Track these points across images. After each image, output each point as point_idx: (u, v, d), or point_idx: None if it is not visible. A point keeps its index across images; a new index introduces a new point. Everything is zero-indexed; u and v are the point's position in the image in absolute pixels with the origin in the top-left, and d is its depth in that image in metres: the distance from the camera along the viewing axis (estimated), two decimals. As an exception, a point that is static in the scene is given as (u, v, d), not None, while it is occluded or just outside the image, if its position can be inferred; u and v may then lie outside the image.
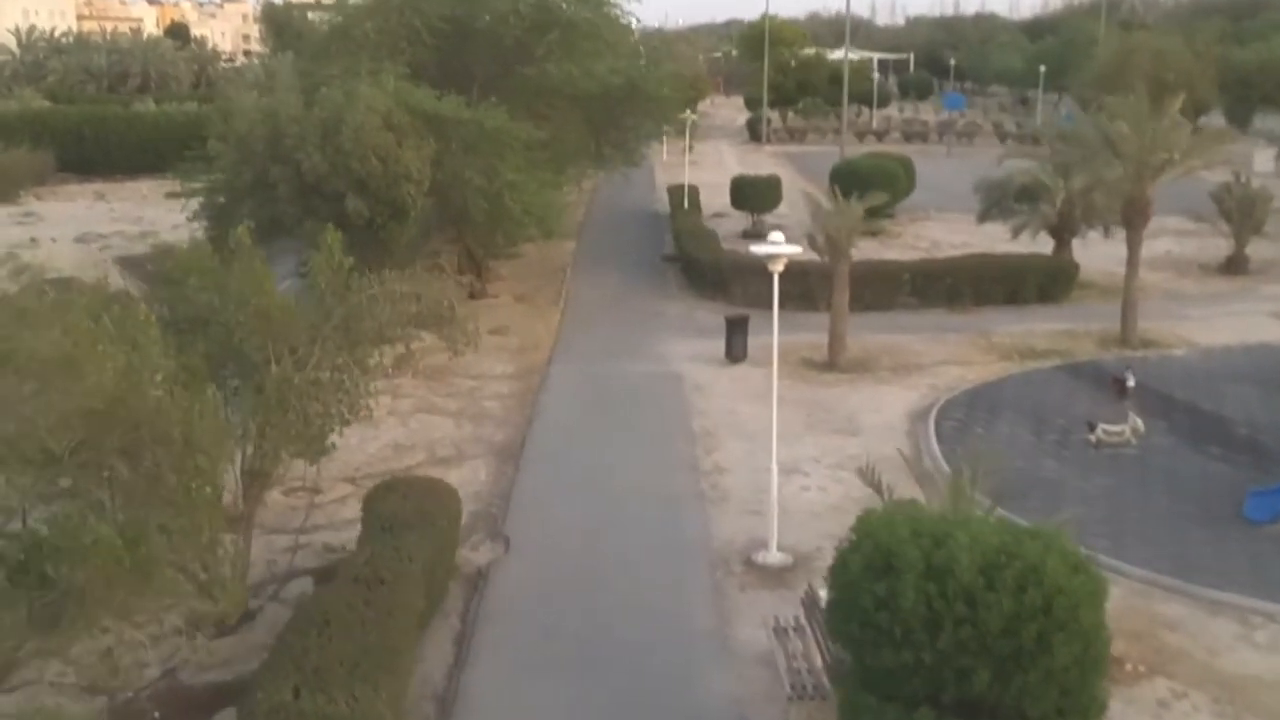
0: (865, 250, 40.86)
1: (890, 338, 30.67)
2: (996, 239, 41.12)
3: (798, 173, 61.94)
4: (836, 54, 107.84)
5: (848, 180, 44.87)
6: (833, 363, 28.37)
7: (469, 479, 21.32)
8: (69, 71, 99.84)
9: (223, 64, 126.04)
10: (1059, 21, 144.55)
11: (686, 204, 45.30)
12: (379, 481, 18.32)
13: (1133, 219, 29.12)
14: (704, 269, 36.16)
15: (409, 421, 24.81)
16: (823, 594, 15.13)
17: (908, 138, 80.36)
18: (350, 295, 16.93)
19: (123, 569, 10.05)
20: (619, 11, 35.45)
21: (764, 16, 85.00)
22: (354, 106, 27.78)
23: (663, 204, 52.56)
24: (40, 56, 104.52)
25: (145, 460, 12.26)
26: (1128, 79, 69.39)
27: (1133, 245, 29.40)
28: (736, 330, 28.43)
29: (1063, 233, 35.36)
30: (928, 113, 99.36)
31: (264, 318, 16.09)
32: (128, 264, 38.88)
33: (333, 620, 13.41)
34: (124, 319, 12.87)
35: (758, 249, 17.84)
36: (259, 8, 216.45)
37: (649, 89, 35.33)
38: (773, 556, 18.00)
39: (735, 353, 28.45)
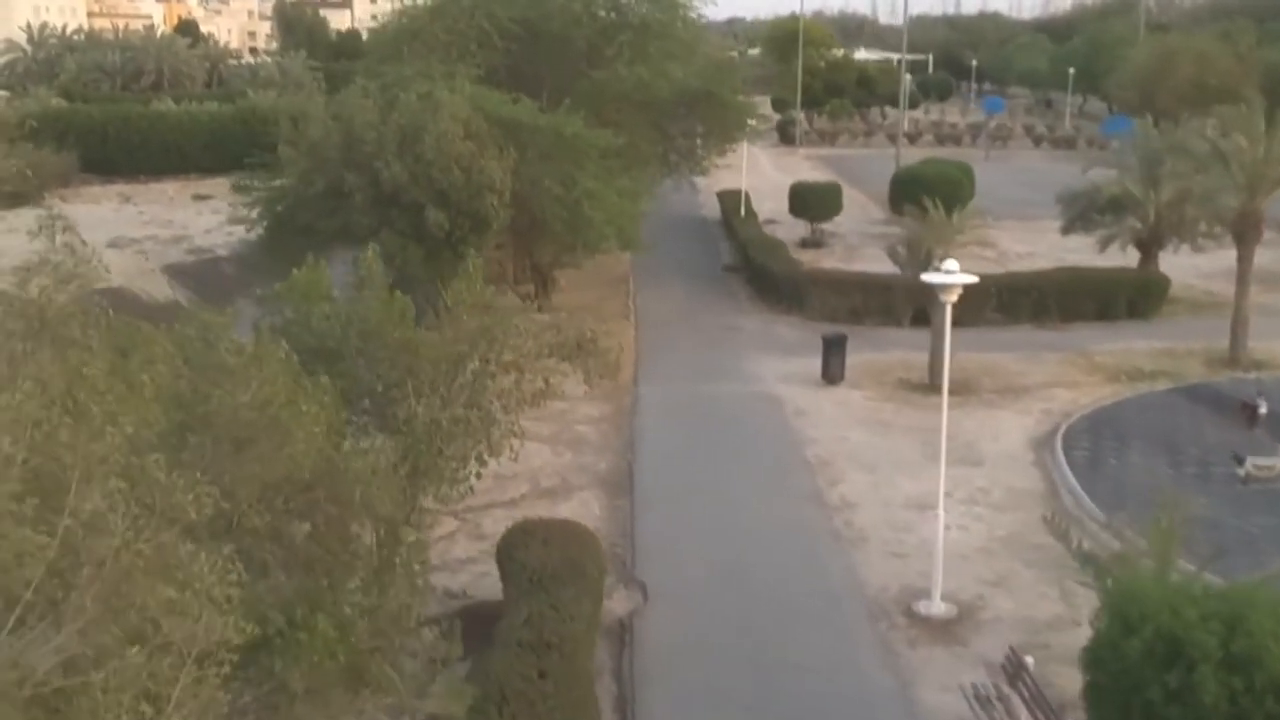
0: (933, 261, 39.79)
1: (984, 356, 29.28)
2: (1061, 247, 40.21)
3: (840, 177, 60.46)
4: (859, 54, 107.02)
5: (910, 187, 43.69)
6: (934, 384, 27.03)
7: (582, 514, 20.03)
8: (82, 69, 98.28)
9: (232, 61, 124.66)
10: (1080, 21, 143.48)
11: (744, 211, 43.97)
12: (511, 524, 16.99)
13: (1245, 234, 27.91)
14: (777, 281, 34.87)
15: (502, 448, 23.49)
16: (1029, 660, 13.94)
17: (940, 140, 78.97)
18: (493, 326, 15.63)
19: (337, 663, 8.78)
20: (694, 14, 34.16)
21: (795, 16, 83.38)
22: (437, 114, 26.48)
23: (709, 209, 51.29)
24: (52, 54, 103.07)
25: (319, 524, 10.98)
26: (1168, 82, 68.53)
27: (1244, 261, 28.18)
28: (834, 350, 27.17)
29: (1151, 246, 34.12)
30: (954, 115, 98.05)
31: (408, 352, 14.79)
32: (175, 273, 37.59)
33: (510, 696, 12.18)
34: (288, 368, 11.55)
35: (930, 278, 16.54)
36: (263, 5, 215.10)
37: (721, 94, 34.06)
38: (936, 607, 16.75)
39: (832, 373, 27.19)
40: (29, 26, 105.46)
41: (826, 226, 44.50)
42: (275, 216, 30.62)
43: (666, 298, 36.20)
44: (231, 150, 67.96)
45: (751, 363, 29.18)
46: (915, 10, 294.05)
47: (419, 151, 26.64)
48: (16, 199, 57.84)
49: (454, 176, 26.51)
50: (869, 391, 26.85)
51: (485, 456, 15.31)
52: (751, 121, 36.39)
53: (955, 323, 31.58)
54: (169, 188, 64.41)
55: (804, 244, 42.83)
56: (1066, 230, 36.00)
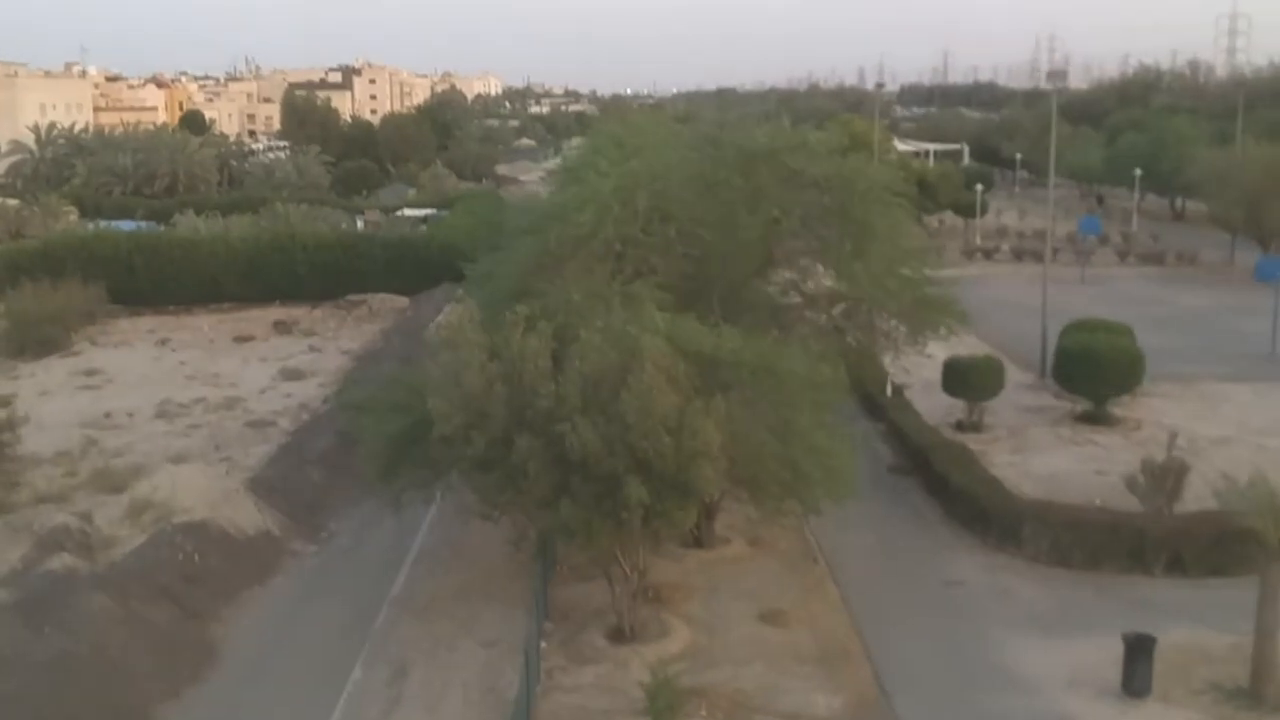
0: (1096, 456, 34.38)
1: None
2: (1258, 430, 35.97)
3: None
4: (901, 147, 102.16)
5: (1079, 366, 38.32)
6: (1259, 694, 21.69)
7: None
8: (94, 173, 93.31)
9: (246, 151, 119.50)
10: (1101, 102, 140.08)
11: (889, 389, 38.78)
12: None
13: None
14: (983, 507, 29.38)
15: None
16: None
17: (1018, 255, 74.05)
18: None
19: None
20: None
21: (849, 118, 78.28)
22: (637, 363, 21.24)
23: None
24: (60, 154, 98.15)
25: None
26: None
27: None
28: (1141, 655, 21.70)
29: None
30: (1012, 216, 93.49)
31: None
32: (261, 489, 31.94)
33: None
34: None
35: None
36: (260, 86, 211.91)
37: (929, 296, 29.07)
38: None
39: (1137, 685, 21.71)
40: (36, 127, 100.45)
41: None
42: (390, 438, 25.29)
43: (839, 520, 30.57)
44: (268, 279, 63.12)
45: (1012, 653, 23.58)
46: (904, 78, 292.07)
47: (616, 411, 21.35)
48: (44, 345, 52.27)
49: (661, 443, 21.22)
50: (1188, 710, 21.37)
51: None
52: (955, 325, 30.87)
53: (1216, 570, 26.71)
54: (204, 323, 59.16)
55: (960, 427, 37.61)
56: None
